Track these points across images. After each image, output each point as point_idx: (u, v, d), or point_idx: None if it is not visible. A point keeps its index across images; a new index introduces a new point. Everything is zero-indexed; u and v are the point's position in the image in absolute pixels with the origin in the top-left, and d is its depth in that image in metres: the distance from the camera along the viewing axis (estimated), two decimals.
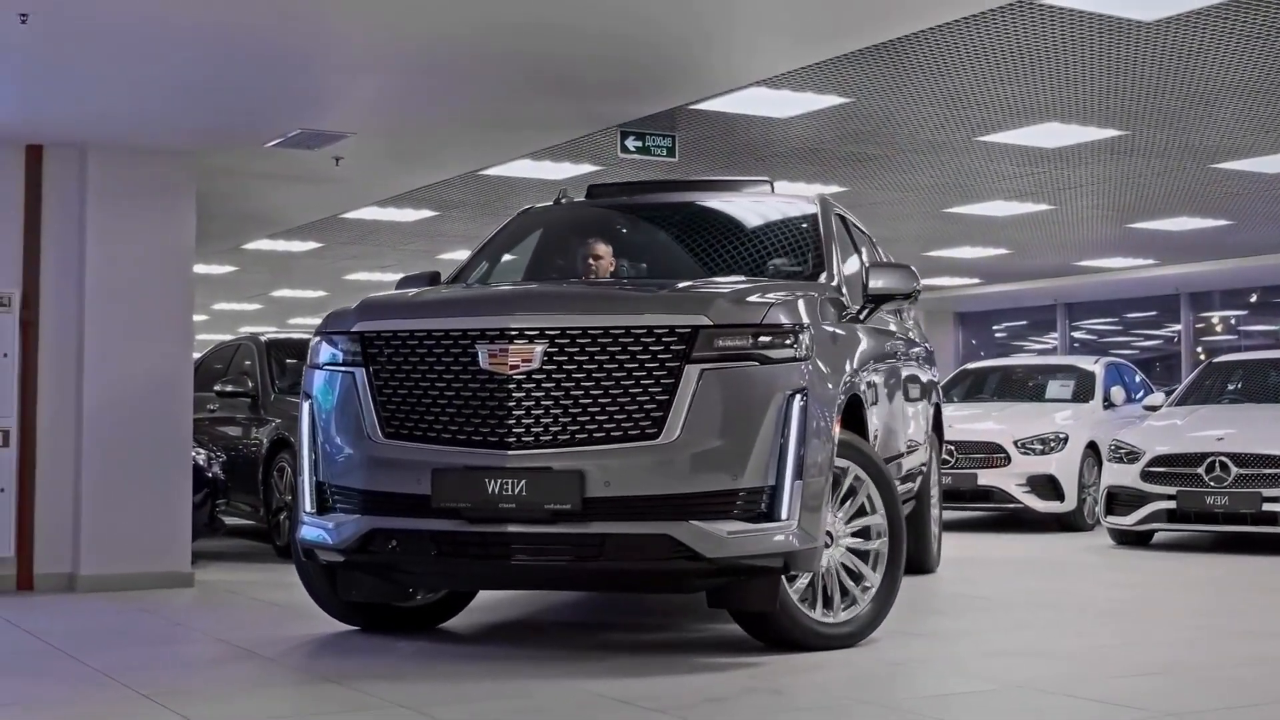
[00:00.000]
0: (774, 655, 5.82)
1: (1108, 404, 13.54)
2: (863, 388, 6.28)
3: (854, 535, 5.94)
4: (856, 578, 5.94)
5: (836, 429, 5.66)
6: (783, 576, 5.53)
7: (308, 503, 5.90)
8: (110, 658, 5.87)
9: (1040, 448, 12.47)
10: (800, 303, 5.75)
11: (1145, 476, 10.62)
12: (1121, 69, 9.02)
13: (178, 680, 5.42)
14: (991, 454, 12.56)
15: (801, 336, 5.55)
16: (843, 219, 7.49)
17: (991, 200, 14.58)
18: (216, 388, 11.01)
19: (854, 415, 6.16)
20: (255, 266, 20.15)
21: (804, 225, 7.03)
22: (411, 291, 6.47)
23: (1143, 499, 10.61)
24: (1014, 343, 28.80)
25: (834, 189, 13.45)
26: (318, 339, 6.04)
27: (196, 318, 18.65)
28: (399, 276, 7.50)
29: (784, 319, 5.56)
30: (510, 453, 5.40)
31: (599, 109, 8.51)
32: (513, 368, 5.42)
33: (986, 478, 12.49)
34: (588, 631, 6.70)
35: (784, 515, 5.33)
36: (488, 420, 5.45)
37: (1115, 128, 10.77)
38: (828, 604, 5.83)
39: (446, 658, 5.82)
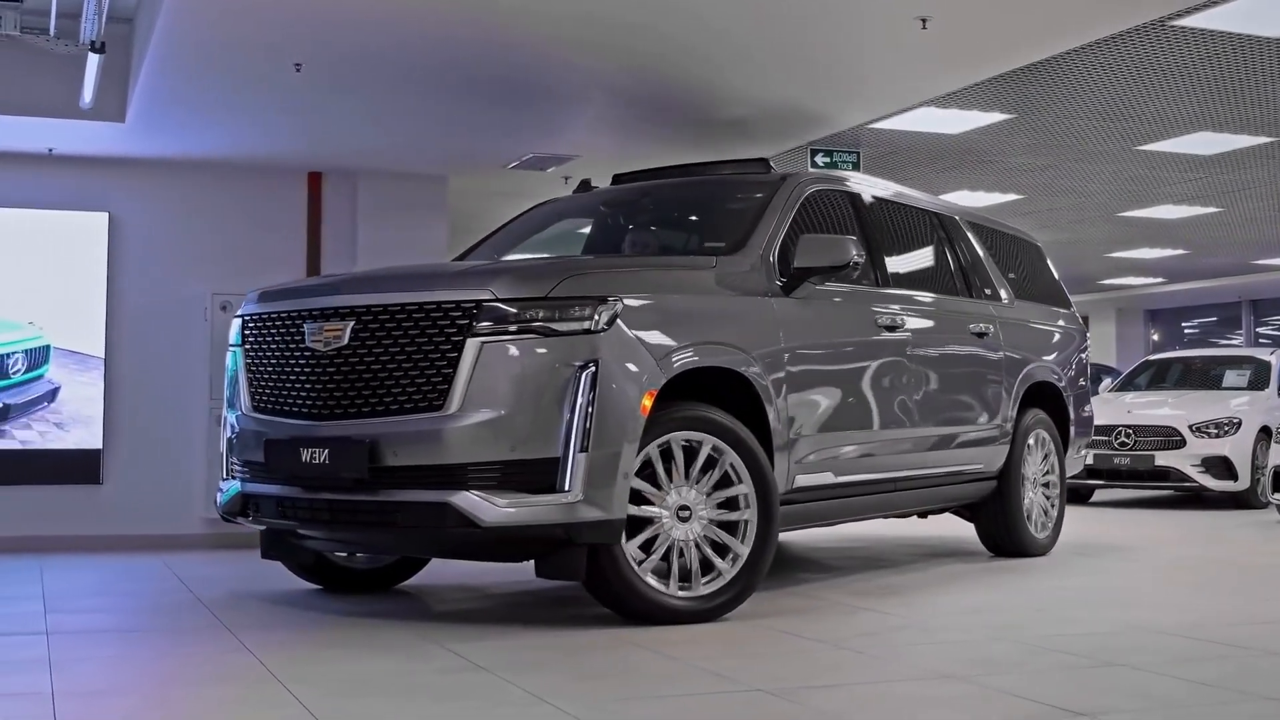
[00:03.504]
0: (926, 600, 6.06)
1: None
2: (752, 364, 5.64)
3: (720, 507, 5.45)
4: (723, 550, 5.44)
5: (647, 401, 5.12)
6: (623, 549, 5.15)
7: (222, 470, 5.97)
8: (400, 602, 6.40)
9: (1215, 431, 12.34)
10: (601, 275, 5.28)
11: None
12: (1258, 81, 8.88)
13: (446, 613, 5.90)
14: (1168, 437, 12.51)
15: (599, 309, 5.09)
16: (853, 198, 6.83)
17: (1161, 204, 14.27)
18: None
19: (748, 391, 5.66)
20: None
21: (754, 202, 6.33)
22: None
23: None
24: (1208, 338, 27.88)
25: (1012, 197, 13.44)
26: (233, 322, 6.09)
27: None
28: None
29: (573, 291, 5.11)
30: (321, 423, 5.28)
31: (790, 130, 8.79)
32: (327, 344, 5.29)
33: (1163, 459, 12.43)
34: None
35: (566, 486, 4.91)
36: (309, 393, 5.37)
37: (1266, 135, 10.54)
38: (689, 576, 5.35)
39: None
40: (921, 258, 7.43)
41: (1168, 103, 9.44)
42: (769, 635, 5.12)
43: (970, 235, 7.96)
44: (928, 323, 7.02)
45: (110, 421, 9.18)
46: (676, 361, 5.29)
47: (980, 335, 7.51)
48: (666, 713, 3.78)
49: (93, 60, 7.33)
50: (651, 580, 5.26)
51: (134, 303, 9.31)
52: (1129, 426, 12.59)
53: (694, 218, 6.87)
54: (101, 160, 9.25)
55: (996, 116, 9.76)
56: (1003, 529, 7.81)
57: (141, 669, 4.61)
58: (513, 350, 5.02)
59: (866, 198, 6.97)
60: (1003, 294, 8.01)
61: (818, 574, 7.13)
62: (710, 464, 5.44)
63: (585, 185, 7.49)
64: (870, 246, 6.73)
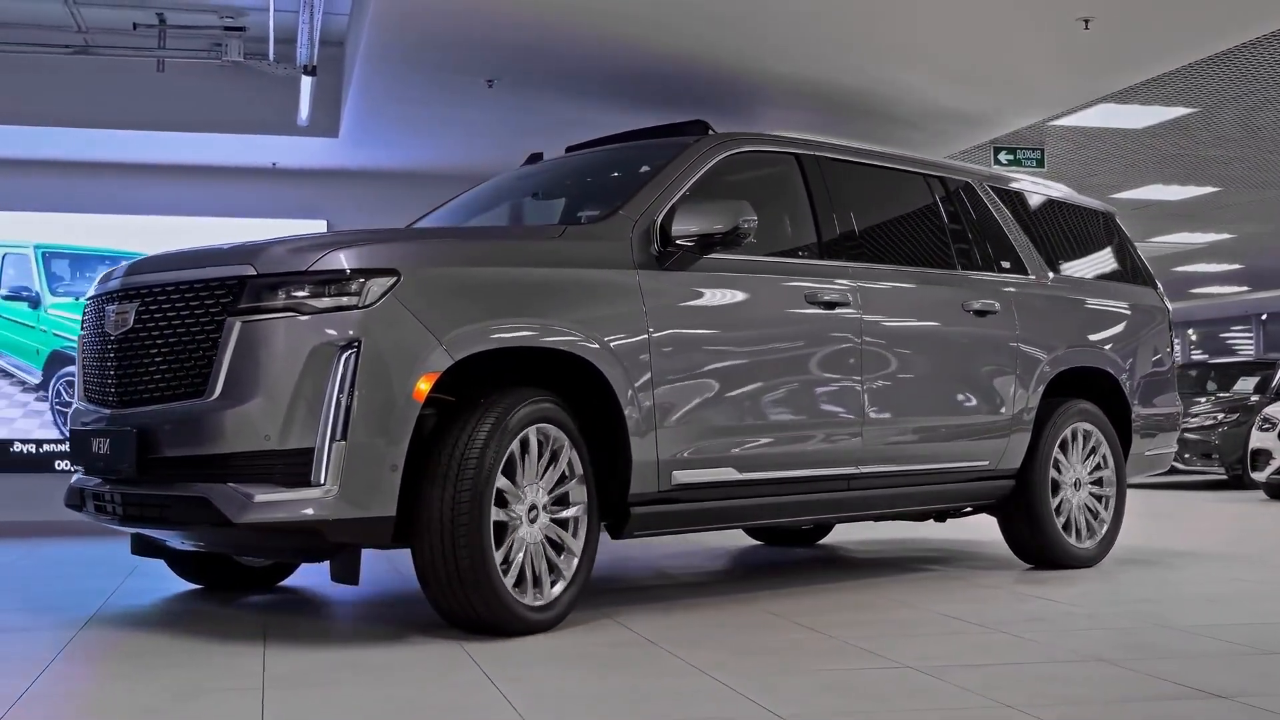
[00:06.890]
0: (1098, 589, 6.01)
1: None
2: (592, 345, 4.87)
3: (557, 504, 4.86)
4: (561, 550, 4.86)
5: (424, 385, 4.47)
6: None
7: None
8: None
9: None
10: (379, 247, 4.60)
11: None
12: None
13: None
14: None
15: (368, 283, 4.47)
16: (799, 161, 5.95)
17: None
18: None
19: (597, 378, 4.93)
20: None
21: (652, 167, 5.53)
22: None
23: None
24: None
25: (1208, 190, 13.06)
26: None
27: None
28: None
29: (334, 265, 4.48)
30: (108, 412, 4.89)
31: (968, 130, 8.79)
32: (117, 328, 4.85)
33: None
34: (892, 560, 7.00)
35: (321, 480, 4.33)
36: (102, 380, 4.97)
37: None
38: (536, 582, 4.75)
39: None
40: (897, 226, 6.48)
41: None
42: (929, 618, 5.18)
43: (989, 201, 6.87)
44: (894, 298, 6.10)
45: None
46: (467, 342, 4.61)
47: (981, 314, 6.48)
48: (817, 684, 3.92)
49: (307, 81, 7.83)
50: (506, 587, 4.63)
51: None
52: None
53: (597, 188, 6.05)
54: (318, 172, 9.83)
55: (1180, 110, 9.56)
56: (1027, 534, 6.79)
57: (345, 633, 4.95)
58: (272, 330, 4.45)
59: (816, 159, 6.03)
60: (1030, 267, 6.92)
61: (990, 566, 7.10)
62: (553, 458, 4.86)
63: (535, 158, 6.73)
64: (817, 214, 5.92)
